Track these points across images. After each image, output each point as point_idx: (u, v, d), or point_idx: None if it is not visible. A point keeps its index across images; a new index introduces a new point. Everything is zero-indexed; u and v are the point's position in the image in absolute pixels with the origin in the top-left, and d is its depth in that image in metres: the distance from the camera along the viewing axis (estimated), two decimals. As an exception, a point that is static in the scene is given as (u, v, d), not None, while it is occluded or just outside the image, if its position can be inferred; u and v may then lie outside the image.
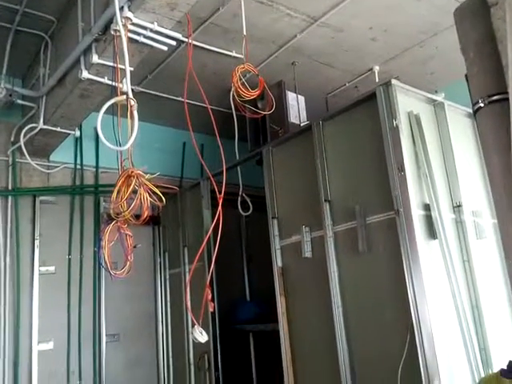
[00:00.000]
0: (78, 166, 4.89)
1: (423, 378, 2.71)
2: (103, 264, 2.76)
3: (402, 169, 2.93)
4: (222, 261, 3.77)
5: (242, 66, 3.26)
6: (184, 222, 4.95)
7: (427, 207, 2.97)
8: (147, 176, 2.70)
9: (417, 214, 2.89)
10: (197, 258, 3.46)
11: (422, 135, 3.09)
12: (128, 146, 2.61)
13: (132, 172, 2.68)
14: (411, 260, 2.84)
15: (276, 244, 3.82)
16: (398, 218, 2.91)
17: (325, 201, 3.39)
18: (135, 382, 4.83)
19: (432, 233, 2.93)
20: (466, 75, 1.89)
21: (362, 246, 3.14)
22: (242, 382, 5.26)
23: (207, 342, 4.30)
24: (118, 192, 2.72)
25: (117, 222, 2.83)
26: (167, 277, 5.12)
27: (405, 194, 2.90)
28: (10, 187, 4.45)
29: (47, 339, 4.41)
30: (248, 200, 4.40)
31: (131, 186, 2.66)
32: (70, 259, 4.69)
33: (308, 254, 3.55)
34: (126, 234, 2.91)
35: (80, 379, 4.51)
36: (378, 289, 3.10)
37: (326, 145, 3.44)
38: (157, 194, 2.75)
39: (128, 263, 2.85)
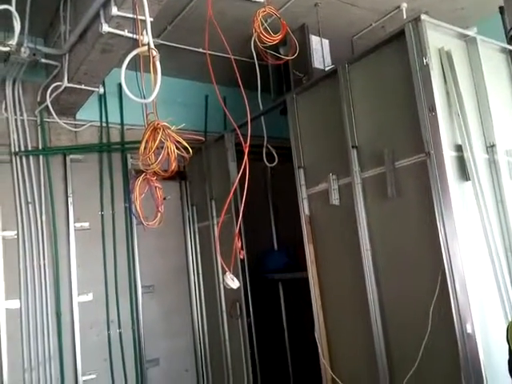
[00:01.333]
0: (104, 124, 4.93)
1: (455, 320, 2.73)
2: (136, 215, 2.83)
3: (432, 109, 2.84)
4: (249, 213, 3.81)
5: (263, 9, 3.15)
6: (210, 175, 4.99)
7: (459, 148, 2.90)
8: (173, 127, 2.72)
9: (448, 156, 2.82)
10: (224, 210, 3.52)
11: (454, 73, 2.97)
12: (153, 97, 2.61)
13: (158, 124, 2.70)
14: (443, 203, 2.80)
15: (303, 193, 3.83)
16: (429, 161, 2.85)
17: (352, 147, 3.34)
18: (171, 329, 5.04)
19: (464, 174, 2.87)
20: (500, 7, 1.79)
21: (391, 191, 3.11)
22: (273, 327, 5.44)
23: (238, 291, 4.45)
24: (146, 145, 2.75)
25: (146, 175, 2.87)
26: (196, 230, 5.22)
27: (436, 135, 2.83)
28: (40, 147, 4.54)
29: (86, 291, 4.62)
30: (273, 151, 4.38)
31: (158, 139, 2.68)
32: (102, 215, 4.82)
33: (335, 201, 3.54)
34: (156, 187, 2.96)
35: (119, 327, 4.74)
36: (408, 233, 3.09)
37: (353, 89, 3.35)
38: (183, 146, 2.77)
39: (159, 214, 2.91)
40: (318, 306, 3.73)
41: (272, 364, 5.15)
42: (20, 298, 4.26)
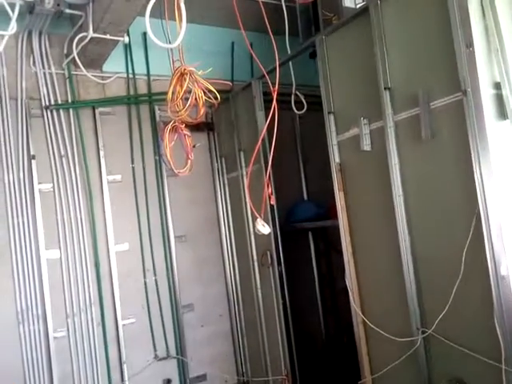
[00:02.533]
0: (131, 76, 4.91)
1: (489, 263, 2.70)
2: (166, 164, 2.85)
3: (470, 44, 2.69)
4: (278, 163, 3.81)
5: None
6: (238, 125, 4.95)
7: (498, 85, 2.75)
8: (200, 72, 2.67)
9: (486, 94, 2.69)
10: (252, 160, 3.52)
11: (493, 6, 2.77)
12: (178, 41, 2.56)
13: (185, 69, 2.66)
14: (479, 143, 2.70)
15: (333, 140, 3.76)
16: (466, 99, 2.73)
17: (384, 89, 3.22)
18: (204, 277, 5.20)
19: (503, 113, 2.73)
20: None
21: (426, 133, 3.01)
22: (303, 276, 5.53)
23: (269, 240, 4.52)
24: (173, 92, 2.73)
25: (175, 123, 2.86)
26: (226, 181, 5.25)
27: (473, 73, 2.69)
28: (69, 100, 4.58)
29: (122, 241, 4.78)
30: (302, 97, 4.28)
31: (185, 84, 2.65)
32: (133, 168, 4.89)
33: (367, 147, 3.47)
34: (185, 134, 2.96)
35: (155, 275, 4.92)
36: (442, 177, 3.01)
37: (385, 27, 3.19)
38: (211, 91, 2.73)
39: (189, 162, 2.92)
40: (348, 253, 3.74)
41: (303, 310, 5.28)
42: (59, 249, 4.44)
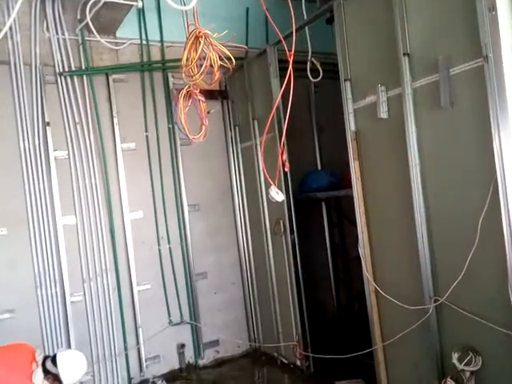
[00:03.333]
0: (144, 42, 4.86)
1: (505, 230, 2.67)
2: (181, 129, 2.83)
3: (493, 8, 2.59)
4: (291, 132, 3.76)
5: None
6: (252, 93, 4.90)
7: (522, 51, 2.66)
8: (215, 35, 2.63)
9: (508, 59, 2.61)
10: (267, 128, 3.47)
11: (519, -34, 2.66)
12: (194, 2, 2.50)
13: (200, 32, 2.62)
14: (499, 111, 2.64)
15: (349, 107, 3.70)
16: (487, 65, 2.65)
17: (403, 54, 3.14)
18: (217, 245, 5.26)
19: (525, 79, 2.66)
20: None
21: (445, 100, 2.95)
22: (316, 245, 5.56)
23: (282, 209, 4.53)
24: (188, 56, 2.69)
25: (189, 88, 2.83)
26: (239, 150, 5.24)
27: (495, 37, 2.60)
28: (83, 67, 4.56)
29: (136, 209, 4.83)
30: (317, 64, 4.19)
31: (200, 48, 2.61)
32: (147, 136, 4.90)
33: (384, 114, 3.41)
34: (199, 100, 2.93)
35: (169, 243, 4.98)
36: (460, 145, 2.96)
37: (406, -11, 3.09)
38: (226, 55, 2.69)
39: (204, 128, 2.90)
40: (362, 222, 3.74)
41: (315, 279, 5.32)
42: (75, 215, 4.51)
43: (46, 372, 2.77)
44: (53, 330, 4.33)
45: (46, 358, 2.87)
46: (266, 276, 5.00)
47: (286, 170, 2.97)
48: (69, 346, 4.37)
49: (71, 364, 2.84)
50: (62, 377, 2.76)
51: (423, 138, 3.18)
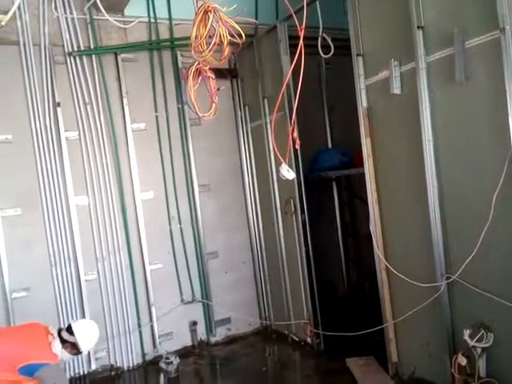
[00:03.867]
0: (152, 20, 4.81)
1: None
2: (191, 107, 2.81)
3: (511, -23, 2.52)
4: (302, 111, 3.71)
5: None
6: (262, 71, 4.85)
7: (540, 21, 2.59)
8: (224, 9, 2.58)
9: (527, 32, 2.55)
10: (277, 106, 3.44)
11: None
12: (202, -25, 2.45)
13: (209, 7, 2.57)
14: (516, 84, 2.58)
15: (361, 83, 3.65)
16: (504, 38, 2.59)
17: (417, 28, 3.07)
18: (228, 225, 5.27)
19: (543, 51, 2.59)
20: None
21: (460, 75, 2.89)
22: (326, 224, 5.56)
23: (292, 188, 4.51)
24: (197, 31, 2.65)
25: (199, 64, 2.80)
26: (249, 130, 5.21)
27: (514, 8, 2.53)
28: (92, 46, 4.54)
29: (147, 189, 4.85)
30: (329, 39, 4.11)
31: (209, 23, 2.57)
32: (157, 116, 4.89)
33: (397, 90, 3.36)
34: (209, 77, 2.90)
35: (180, 223, 5.01)
36: (475, 120, 2.91)
37: (420, -41, 3.00)
38: (236, 30, 2.64)
39: (214, 105, 2.88)
40: (373, 200, 3.72)
41: (325, 258, 5.33)
42: (87, 195, 4.55)
43: (63, 342, 2.99)
44: (68, 308, 4.42)
45: (60, 329, 3.08)
46: (276, 255, 5.02)
47: (297, 147, 2.94)
48: (84, 324, 4.45)
49: (86, 331, 3.10)
50: (80, 343, 3.01)
51: (437, 114, 3.13)
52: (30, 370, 2.77)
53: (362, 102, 3.66)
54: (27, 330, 3.11)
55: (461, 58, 2.86)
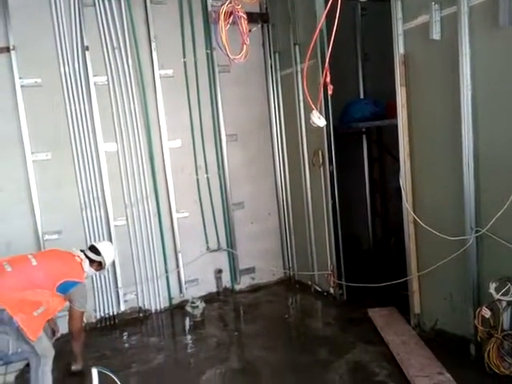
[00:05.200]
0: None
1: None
2: (222, 48, 2.74)
3: None
4: (334, 58, 3.56)
5: None
6: (294, 16, 4.67)
7: None
8: None
9: None
10: (309, 53, 3.31)
11: None
12: None
13: None
14: None
15: (399, 28, 3.48)
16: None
17: (461, -33, 2.87)
18: (254, 176, 5.27)
19: None
20: None
21: (504, 19, 2.72)
22: (354, 178, 5.49)
23: (321, 139, 4.44)
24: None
25: (230, 2, 2.71)
26: (279, 78, 5.08)
27: None
28: (120, -13, 4.44)
29: (175, 137, 4.84)
30: (366, -18, 3.90)
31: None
32: (185, 62, 4.81)
33: (436, 35, 3.19)
34: (241, 17, 2.80)
35: (207, 173, 5.03)
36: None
37: None
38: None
39: (245, 47, 2.80)
40: (405, 152, 3.62)
41: (351, 213, 5.31)
42: (116, 142, 4.58)
43: (91, 261, 3.43)
44: (98, 251, 4.55)
45: (82, 251, 3.50)
46: (302, 207, 5.01)
47: (330, 92, 2.85)
48: (113, 267, 4.60)
49: (109, 249, 3.63)
50: (106, 259, 3.51)
51: (477, 61, 2.98)
52: (64, 289, 3.13)
53: (399, 48, 3.50)
54: (56, 252, 3.47)
55: (506, 1, 2.67)
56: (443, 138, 3.34)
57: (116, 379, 2.59)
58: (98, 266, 3.48)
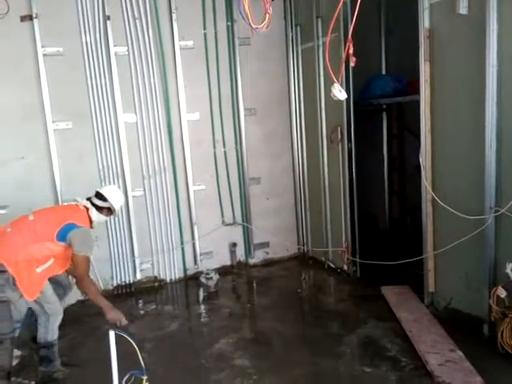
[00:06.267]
0: None
1: None
2: (244, 17, 2.70)
3: None
4: (357, 33, 3.49)
5: None
6: (317, -12, 4.57)
7: None
8: None
9: None
10: (331, 26, 3.24)
11: None
12: None
13: None
14: None
15: (425, 2, 3.39)
16: None
17: None
18: (271, 151, 5.26)
19: None
20: None
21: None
22: (372, 156, 5.44)
23: (340, 115, 4.40)
24: None
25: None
26: (299, 52, 5.01)
27: None
28: (140, -44, 4.39)
29: (193, 110, 4.84)
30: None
31: None
32: (205, 34, 4.77)
33: (463, 10, 3.11)
34: (263, -15, 2.75)
35: (224, 147, 5.04)
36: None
37: None
38: None
39: (267, 16, 2.75)
40: (426, 129, 3.57)
41: (368, 191, 5.28)
42: (135, 113, 4.60)
43: (98, 209, 3.22)
44: (116, 222, 4.62)
45: (88, 200, 3.28)
46: (318, 184, 5.00)
47: (352, 64, 2.80)
48: (130, 237, 4.69)
49: (115, 193, 3.36)
50: (114, 204, 3.26)
51: (505, 37, 2.91)
52: (63, 235, 2.97)
53: (424, 22, 3.41)
54: (57, 206, 3.61)
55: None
56: (466, 115, 3.28)
57: (132, 341, 2.66)
58: (108, 211, 3.29)
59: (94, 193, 3.36)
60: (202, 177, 4.97)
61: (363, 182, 4.79)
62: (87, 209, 3.20)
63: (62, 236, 2.97)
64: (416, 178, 3.88)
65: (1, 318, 3.63)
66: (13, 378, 3.15)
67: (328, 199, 4.91)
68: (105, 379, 2.79)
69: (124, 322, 3.11)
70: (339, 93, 2.85)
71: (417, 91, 3.63)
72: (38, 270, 2.95)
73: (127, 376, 2.70)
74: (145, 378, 2.66)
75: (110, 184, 4.51)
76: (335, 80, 2.81)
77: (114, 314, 3.13)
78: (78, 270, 3.11)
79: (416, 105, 3.64)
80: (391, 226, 5.68)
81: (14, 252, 2.92)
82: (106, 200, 3.23)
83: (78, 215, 3.11)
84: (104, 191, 3.32)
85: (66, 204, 3.42)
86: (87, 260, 3.13)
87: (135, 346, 2.64)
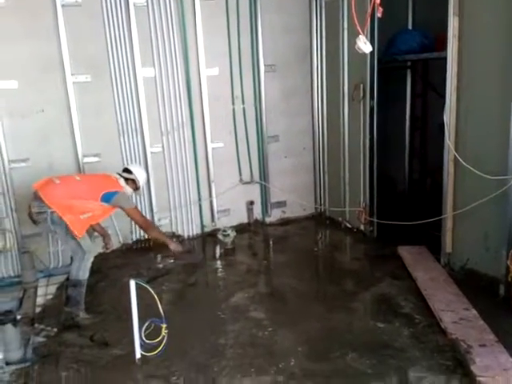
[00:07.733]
0: None
1: None
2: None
3: None
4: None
5: None
6: None
7: None
8: None
9: None
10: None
11: None
12: None
13: None
14: None
15: (457, -51, 3.20)
16: None
17: None
18: (291, 109, 5.18)
19: None
20: None
21: None
22: (395, 115, 5.32)
23: (364, 71, 4.28)
24: None
25: None
26: (323, 5, 4.82)
27: None
28: None
29: (212, 65, 4.76)
30: None
31: None
32: (225, -16, 4.62)
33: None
34: None
35: (243, 103, 4.97)
36: None
37: None
38: None
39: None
40: (452, 87, 3.46)
41: (388, 152, 5.20)
42: (154, 67, 4.54)
43: (125, 180, 3.76)
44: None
45: (117, 173, 3.82)
46: (338, 143, 4.92)
47: (379, 15, 2.69)
48: (149, 193, 4.74)
49: (140, 170, 3.95)
50: (139, 178, 3.82)
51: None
52: (107, 198, 3.52)
53: (455, -27, 3.24)
54: (97, 174, 4.02)
55: None
56: (494, 73, 3.15)
57: (152, 291, 2.74)
58: (133, 183, 3.80)
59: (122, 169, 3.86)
60: (220, 134, 4.94)
61: (384, 142, 4.70)
62: (117, 178, 3.76)
63: (107, 198, 3.52)
64: (438, 139, 3.79)
65: (24, 267, 3.89)
66: (36, 325, 3.28)
67: (347, 158, 4.85)
68: (125, 326, 2.90)
69: (180, 248, 3.91)
70: (364, 45, 2.76)
71: (444, 47, 3.50)
72: (81, 216, 3.43)
73: (147, 323, 2.82)
74: (164, 325, 2.77)
75: (129, 139, 4.57)
76: (360, 32, 2.71)
77: (175, 245, 3.88)
78: (135, 219, 3.79)
79: (443, 63, 3.50)
80: (410, 188, 5.61)
81: (60, 199, 3.38)
82: (131, 173, 3.79)
83: (117, 184, 3.68)
84: (129, 166, 3.93)
85: (101, 174, 3.88)
86: (136, 209, 3.83)
87: (154, 296, 2.73)
